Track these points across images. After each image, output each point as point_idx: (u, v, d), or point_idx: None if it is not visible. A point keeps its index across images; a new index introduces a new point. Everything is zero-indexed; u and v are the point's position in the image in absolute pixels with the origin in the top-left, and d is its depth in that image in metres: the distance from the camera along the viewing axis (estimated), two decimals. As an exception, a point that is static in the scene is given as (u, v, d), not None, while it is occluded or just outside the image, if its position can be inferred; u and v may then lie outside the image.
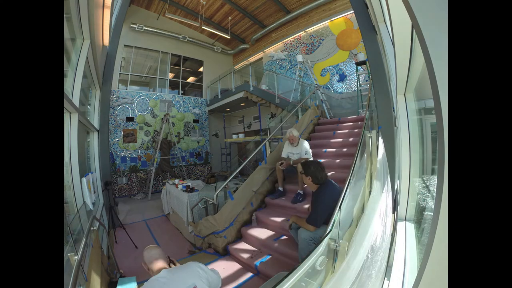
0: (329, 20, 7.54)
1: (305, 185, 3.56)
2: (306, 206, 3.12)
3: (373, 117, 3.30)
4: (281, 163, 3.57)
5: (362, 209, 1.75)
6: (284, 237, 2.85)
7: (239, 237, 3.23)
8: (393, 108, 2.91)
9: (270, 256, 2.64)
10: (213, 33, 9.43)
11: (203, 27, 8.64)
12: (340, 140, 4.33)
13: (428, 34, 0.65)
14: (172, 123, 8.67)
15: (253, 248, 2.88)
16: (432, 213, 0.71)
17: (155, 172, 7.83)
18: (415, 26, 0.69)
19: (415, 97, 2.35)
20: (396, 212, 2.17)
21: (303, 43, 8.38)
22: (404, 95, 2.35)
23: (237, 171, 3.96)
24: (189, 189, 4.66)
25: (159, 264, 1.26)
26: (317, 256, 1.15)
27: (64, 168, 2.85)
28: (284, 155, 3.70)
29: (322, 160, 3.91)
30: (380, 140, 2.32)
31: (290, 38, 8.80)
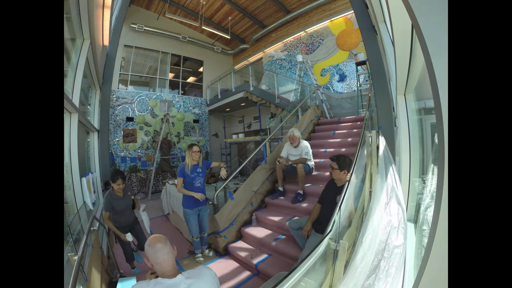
0: (329, 20, 7.54)
1: (306, 185, 3.59)
2: (304, 205, 3.12)
3: (373, 117, 3.30)
4: (279, 160, 3.59)
5: (363, 209, 1.75)
6: (284, 237, 2.85)
7: (239, 237, 3.23)
8: (393, 108, 2.92)
9: (270, 256, 2.64)
10: (213, 33, 9.43)
11: (203, 27, 8.64)
12: (340, 140, 4.32)
13: (428, 34, 0.65)
14: (172, 123, 8.67)
15: (253, 248, 2.88)
16: (432, 213, 0.71)
17: (155, 172, 7.83)
18: (415, 26, 0.69)
19: (415, 97, 2.35)
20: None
21: (303, 43, 8.38)
22: (404, 95, 2.36)
23: (237, 171, 3.96)
24: (189, 189, 4.65)
25: (169, 265, 1.08)
26: (317, 256, 1.15)
27: (64, 168, 2.85)
28: (283, 154, 3.69)
29: (322, 160, 3.91)
30: (381, 138, 2.32)
31: (290, 38, 8.80)
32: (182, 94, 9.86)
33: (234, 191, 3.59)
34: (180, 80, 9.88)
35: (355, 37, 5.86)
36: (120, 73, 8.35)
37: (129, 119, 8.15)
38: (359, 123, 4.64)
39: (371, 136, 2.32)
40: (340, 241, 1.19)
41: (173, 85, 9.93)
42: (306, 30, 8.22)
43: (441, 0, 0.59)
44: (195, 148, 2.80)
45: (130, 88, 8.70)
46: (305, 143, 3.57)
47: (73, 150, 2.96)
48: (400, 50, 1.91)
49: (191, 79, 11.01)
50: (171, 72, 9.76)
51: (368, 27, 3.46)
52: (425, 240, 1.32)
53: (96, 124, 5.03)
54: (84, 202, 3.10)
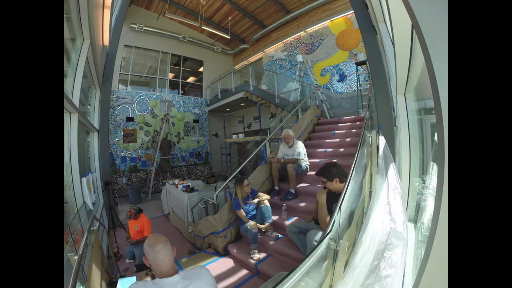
0: (329, 20, 7.54)
1: (304, 184, 3.59)
2: (303, 204, 3.12)
3: (373, 117, 3.30)
4: (272, 157, 3.62)
5: (363, 209, 1.75)
6: (284, 237, 2.84)
7: (239, 237, 3.23)
8: (393, 108, 2.91)
9: (270, 256, 2.64)
10: (213, 33, 9.43)
11: (203, 27, 8.64)
12: (340, 140, 4.32)
13: (428, 34, 0.65)
14: (172, 123, 8.67)
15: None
16: (432, 213, 0.71)
17: (155, 172, 7.83)
18: (415, 26, 0.69)
19: (415, 97, 2.35)
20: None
21: (303, 43, 8.38)
22: (404, 95, 2.36)
23: (237, 171, 3.96)
24: (189, 189, 4.67)
25: (167, 265, 1.08)
26: (317, 257, 1.15)
27: (64, 168, 2.85)
28: (279, 155, 3.71)
29: (322, 160, 3.91)
30: (381, 138, 2.32)
31: (290, 38, 8.80)
32: (182, 94, 9.86)
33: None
34: (180, 80, 9.88)
35: (355, 37, 5.86)
36: (120, 73, 8.35)
37: (129, 119, 8.16)
38: (359, 123, 4.64)
39: (371, 136, 2.32)
40: (340, 241, 1.19)
41: (173, 85, 9.93)
42: (306, 30, 8.22)
43: (441, 0, 0.59)
44: (246, 182, 3.00)
45: (130, 88, 8.70)
46: (299, 144, 3.57)
47: (73, 150, 2.96)
48: (400, 50, 1.91)
49: (191, 79, 11.01)
50: (171, 72, 9.76)
51: (368, 27, 3.46)
52: (425, 240, 1.32)
53: (96, 124, 5.03)
54: (84, 202, 3.10)
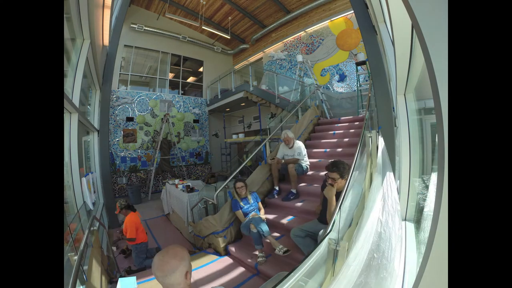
0: (329, 20, 7.54)
1: (303, 184, 3.59)
2: (302, 204, 3.13)
3: (373, 117, 3.30)
4: (272, 159, 3.62)
5: (363, 209, 1.75)
6: (284, 237, 2.85)
7: (239, 237, 3.23)
8: (393, 108, 2.91)
9: (270, 256, 2.64)
10: (213, 33, 9.43)
11: (203, 27, 8.64)
12: (340, 140, 4.32)
13: (428, 34, 0.65)
14: (172, 123, 8.67)
15: (253, 248, 2.88)
16: (432, 213, 0.71)
17: (155, 172, 7.83)
18: (415, 26, 0.69)
19: (415, 97, 2.35)
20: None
21: (303, 43, 8.38)
22: (404, 95, 2.35)
23: (237, 171, 3.96)
24: (189, 189, 4.67)
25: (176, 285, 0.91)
26: (317, 257, 1.15)
27: (64, 168, 2.85)
28: (279, 155, 3.71)
29: (321, 160, 3.91)
30: (380, 139, 2.32)
31: (290, 38, 8.80)
32: (182, 94, 9.86)
33: (234, 191, 3.59)
34: (180, 80, 9.88)
35: (355, 37, 5.86)
36: (120, 73, 8.35)
37: (129, 119, 8.16)
38: (359, 123, 4.64)
39: (371, 136, 2.32)
40: (340, 241, 1.20)
41: (173, 85, 9.93)
42: (306, 30, 8.22)
43: (441, 0, 0.59)
44: (238, 185, 3.05)
45: (130, 88, 8.70)
46: (299, 144, 3.57)
47: (73, 150, 2.96)
48: (400, 50, 1.90)
49: (191, 79, 11.01)
50: (171, 72, 9.76)
51: (368, 27, 3.46)
52: (425, 240, 1.32)
53: (96, 124, 5.03)
54: (84, 202, 3.10)
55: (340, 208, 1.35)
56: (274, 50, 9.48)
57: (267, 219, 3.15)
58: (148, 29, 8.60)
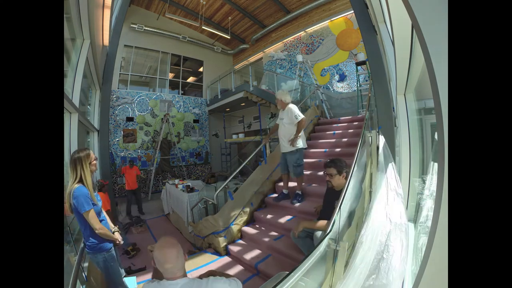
0: (329, 20, 7.54)
1: (305, 184, 3.59)
2: (304, 205, 3.12)
3: (373, 117, 3.30)
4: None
5: (363, 209, 1.74)
6: (284, 237, 2.84)
7: (239, 237, 3.23)
8: (393, 108, 2.91)
9: (270, 256, 2.64)
10: (213, 33, 9.43)
11: (203, 27, 8.64)
12: (340, 140, 4.32)
13: (428, 34, 0.65)
14: (172, 123, 8.67)
15: (253, 248, 2.88)
16: (432, 213, 0.71)
17: (155, 172, 7.83)
18: (415, 26, 0.69)
19: (415, 97, 2.35)
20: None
21: (303, 43, 8.38)
22: (404, 95, 2.35)
23: (237, 171, 3.96)
24: (189, 189, 4.67)
25: (172, 269, 1.05)
26: (317, 257, 1.15)
27: (64, 168, 2.84)
28: (277, 121, 3.48)
29: (321, 160, 3.91)
30: (380, 137, 2.31)
31: (290, 38, 8.80)
32: (182, 94, 9.86)
33: (234, 191, 3.59)
34: (180, 80, 9.88)
35: (355, 37, 5.86)
36: (120, 73, 8.35)
37: (129, 119, 8.16)
38: (359, 123, 4.64)
39: (371, 136, 2.32)
40: (340, 241, 1.19)
41: (173, 85, 9.93)
42: (306, 30, 8.22)
43: (441, 0, 0.59)
44: (93, 155, 1.74)
45: (130, 88, 8.70)
46: (291, 106, 3.28)
47: (73, 150, 2.95)
48: (400, 50, 1.91)
49: (191, 79, 11.01)
50: (171, 72, 9.76)
51: (368, 27, 3.46)
52: (425, 240, 1.32)
53: (96, 124, 5.03)
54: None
55: (340, 208, 1.34)
56: (274, 50, 9.48)
57: (267, 219, 3.15)
58: (148, 29, 8.60)
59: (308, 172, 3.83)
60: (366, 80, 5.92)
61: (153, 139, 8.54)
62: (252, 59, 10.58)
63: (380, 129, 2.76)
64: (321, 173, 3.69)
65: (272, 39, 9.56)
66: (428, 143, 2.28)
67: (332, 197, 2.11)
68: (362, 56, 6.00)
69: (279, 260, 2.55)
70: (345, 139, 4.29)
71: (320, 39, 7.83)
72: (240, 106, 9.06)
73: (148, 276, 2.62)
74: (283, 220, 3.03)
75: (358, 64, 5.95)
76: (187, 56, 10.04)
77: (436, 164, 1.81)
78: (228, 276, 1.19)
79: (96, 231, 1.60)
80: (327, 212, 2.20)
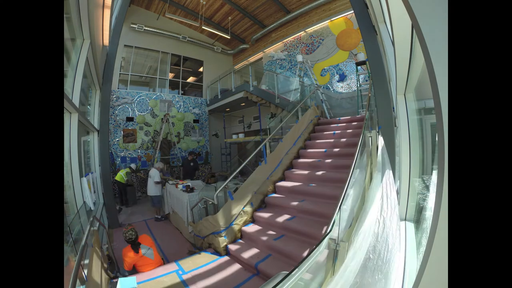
0: (329, 20, 7.54)
1: (298, 184, 3.58)
2: (299, 204, 3.12)
3: (373, 117, 3.30)
4: None
5: (360, 209, 1.75)
6: (284, 237, 2.85)
7: (239, 237, 3.23)
8: (393, 108, 2.91)
9: (270, 256, 2.64)
10: (213, 33, 9.43)
11: (203, 27, 8.64)
12: (340, 140, 4.33)
13: (428, 34, 0.65)
14: (172, 123, 8.67)
15: (253, 248, 2.88)
16: (432, 213, 0.71)
17: (155, 172, 7.82)
18: (415, 26, 0.69)
19: (415, 97, 2.35)
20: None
21: (303, 43, 8.38)
22: (404, 95, 2.35)
23: (237, 171, 3.96)
24: (189, 189, 4.67)
25: None
26: (317, 257, 1.15)
27: (64, 168, 2.85)
28: None
29: (321, 160, 3.91)
30: (380, 138, 2.32)
31: (290, 38, 8.80)
32: (182, 94, 9.86)
33: (234, 191, 3.59)
34: (180, 80, 9.88)
35: (355, 37, 5.86)
36: (120, 73, 8.35)
37: (129, 119, 8.15)
38: (359, 123, 4.64)
39: (371, 136, 2.32)
40: (340, 241, 1.19)
41: (173, 85, 9.93)
42: (306, 30, 8.22)
43: (441, 0, 0.59)
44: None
45: (130, 88, 8.69)
46: None
47: (73, 150, 2.96)
48: (400, 50, 1.90)
49: (191, 79, 11.01)
50: (171, 72, 9.76)
51: (368, 27, 3.46)
52: (425, 240, 1.32)
53: (96, 124, 5.03)
54: (84, 202, 3.10)
55: (340, 208, 1.35)
56: (274, 50, 9.48)
57: (267, 219, 3.15)
58: (148, 29, 8.60)
59: (306, 172, 3.83)
60: (366, 80, 5.92)
61: (153, 139, 8.54)
62: (252, 59, 10.58)
63: (380, 129, 2.77)
64: (319, 173, 3.69)
65: (272, 39, 9.56)
66: (428, 143, 2.28)
67: None
68: (362, 56, 6.00)
69: (279, 260, 2.55)
70: (345, 139, 4.29)
71: (320, 39, 7.83)
72: (240, 106, 9.06)
73: (149, 275, 2.62)
74: (283, 220, 3.03)
75: (358, 64, 5.95)
76: (187, 56, 10.04)
77: (435, 164, 1.81)
78: None
79: None
80: None
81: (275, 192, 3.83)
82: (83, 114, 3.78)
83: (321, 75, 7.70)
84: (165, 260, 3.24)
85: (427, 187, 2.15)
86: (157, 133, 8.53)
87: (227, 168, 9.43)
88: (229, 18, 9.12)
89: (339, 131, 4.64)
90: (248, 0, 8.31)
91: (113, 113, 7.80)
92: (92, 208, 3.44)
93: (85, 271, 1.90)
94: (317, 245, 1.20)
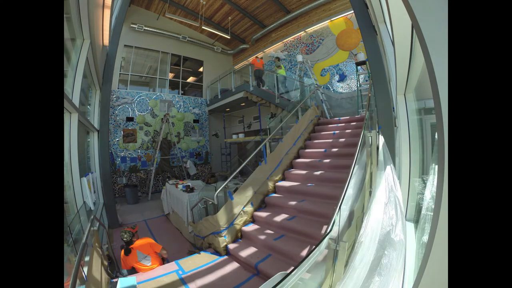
0: (329, 20, 7.54)
1: (308, 184, 3.58)
2: (306, 205, 3.12)
3: (373, 117, 3.30)
4: None
5: (363, 209, 1.75)
6: (284, 237, 2.85)
7: (239, 237, 3.23)
8: (393, 108, 2.92)
9: (270, 256, 2.64)
10: (213, 33, 9.43)
11: (203, 27, 8.64)
12: (340, 140, 4.32)
13: (428, 34, 0.65)
14: (172, 123, 8.67)
15: (253, 248, 2.88)
16: (432, 213, 0.71)
17: (155, 172, 7.83)
18: (415, 26, 0.69)
19: (415, 97, 2.35)
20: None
21: (303, 43, 8.38)
22: (404, 95, 2.35)
23: (237, 171, 3.96)
24: (189, 189, 4.67)
25: None
26: (317, 257, 1.15)
27: (64, 168, 2.85)
28: None
29: (321, 160, 3.91)
30: (380, 137, 2.32)
31: (290, 38, 8.80)
32: (182, 94, 9.86)
33: (234, 191, 3.59)
34: (180, 80, 9.87)
35: (355, 37, 5.85)
36: (120, 73, 8.35)
37: (129, 119, 8.15)
38: (359, 123, 4.64)
39: (371, 136, 2.32)
40: (340, 241, 1.19)
41: (173, 85, 9.92)
42: (306, 30, 8.22)
43: (441, 0, 0.60)
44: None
45: (130, 88, 8.69)
46: None
47: (73, 150, 2.96)
48: (400, 50, 1.91)
49: (191, 79, 11.00)
50: (171, 72, 9.75)
51: (368, 27, 3.46)
52: (425, 240, 1.32)
53: (96, 124, 5.03)
54: (84, 202, 3.10)
55: (340, 208, 1.34)
56: (274, 50, 9.48)
57: (267, 219, 3.15)
58: (148, 29, 8.60)
59: (306, 172, 3.83)
60: (366, 80, 5.92)
61: (153, 139, 8.54)
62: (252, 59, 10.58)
63: (380, 129, 2.77)
64: (318, 172, 3.69)
65: (272, 39, 9.56)
66: (428, 143, 2.28)
67: None
68: (362, 56, 6.00)
69: (279, 260, 2.55)
70: (345, 139, 4.29)
71: (320, 39, 7.83)
72: (240, 106, 9.05)
73: (149, 275, 2.62)
74: (283, 220, 3.03)
75: (358, 64, 5.95)
76: (187, 56, 10.03)
77: (435, 164, 1.81)
78: None
79: None
80: None
81: (275, 192, 3.84)
82: (83, 114, 3.78)
83: (321, 75, 7.70)
84: (165, 260, 3.24)
85: (427, 187, 2.14)
86: (157, 133, 8.53)
87: (227, 168, 9.43)
88: (229, 18, 9.12)
89: (339, 131, 4.64)
90: (248, 0, 8.31)
91: (113, 113, 7.80)
92: (92, 208, 3.44)
93: (85, 271, 1.90)
94: (317, 245, 1.20)
